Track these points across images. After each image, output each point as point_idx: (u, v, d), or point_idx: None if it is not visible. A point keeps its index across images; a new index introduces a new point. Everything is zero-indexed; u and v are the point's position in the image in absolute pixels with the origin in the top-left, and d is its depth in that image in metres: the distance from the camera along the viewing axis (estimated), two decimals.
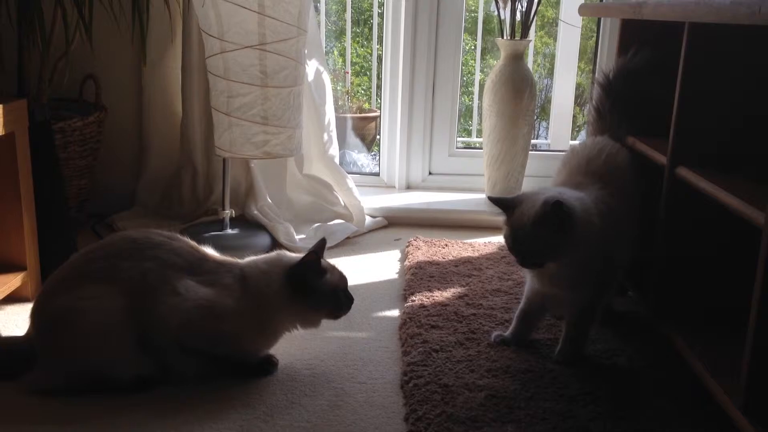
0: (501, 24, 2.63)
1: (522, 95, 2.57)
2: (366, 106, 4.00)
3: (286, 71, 2.10)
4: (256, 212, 2.38)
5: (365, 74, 4.50)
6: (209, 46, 2.11)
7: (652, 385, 1.48)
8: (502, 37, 2.62)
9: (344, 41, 4.01)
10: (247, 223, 2.37)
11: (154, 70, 2.46)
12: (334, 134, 2.57)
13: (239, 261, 1.53)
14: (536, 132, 4.40)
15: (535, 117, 4.55)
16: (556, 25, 3.00)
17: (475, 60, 3.81)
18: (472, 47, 4.07)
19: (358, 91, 4.29)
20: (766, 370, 1.16)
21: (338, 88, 3.99)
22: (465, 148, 3.08)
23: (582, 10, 2.22)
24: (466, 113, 4.06)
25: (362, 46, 4.66)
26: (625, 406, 1.40)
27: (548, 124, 3.73)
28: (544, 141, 3.63)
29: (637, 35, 1.84)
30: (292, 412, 1.38)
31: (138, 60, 2.43)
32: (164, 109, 2.50)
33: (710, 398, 1.32)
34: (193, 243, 1.51)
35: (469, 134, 3.90)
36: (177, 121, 2.49)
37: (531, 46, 3.13)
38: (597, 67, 2.73)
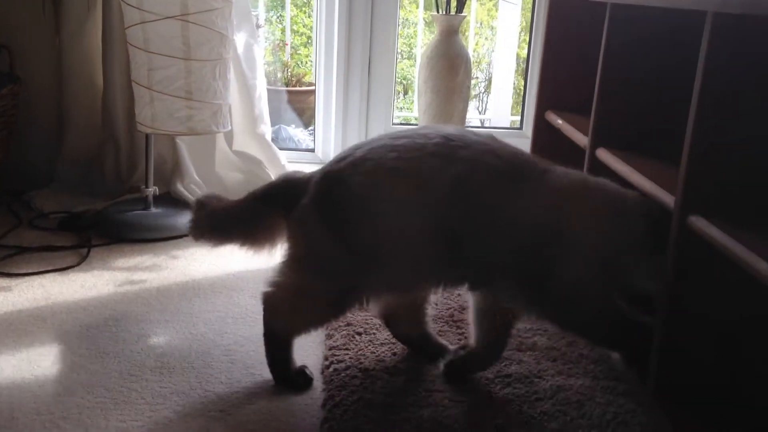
0: None
1: (457, 71, 2.54)
2: (307, 78, 3.90)
3: (211, 44, 2.01)
4: (182, 190, 2.30)
5: (311, 45, 4.38)
6: (128, 16, 2.00)
7: (571, 360, 1.48)
8: (438, 12, 2.58)
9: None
10: (174, 201, 2.29)
11: (73, 39, 2.32)
12: (265, 109, 2.50)
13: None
14: (484, 106, 4.38)
15: (482, 91, 4.54)
16: None
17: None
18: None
19: (306, 63, 4.18)
20: (673, 355, 1.17)
21: (282, 59, 3.88)
22: (403, 124, 3.05)
23: None
24: (409, 88, 4.01)
25: (309, 16, 4.53)
26: (538, 389, 1.40)
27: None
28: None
29: (565, 12, 1.83)
30: (206, 401, 1.34)
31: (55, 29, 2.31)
32: (84, 81, 2.36)
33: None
34: (514, 146, 1.30)
35: (412, 110, 3.85)
36: (98, 94, 2.37)
37: (472, 21, 3.10)
38: (532, 41, 2.71)
